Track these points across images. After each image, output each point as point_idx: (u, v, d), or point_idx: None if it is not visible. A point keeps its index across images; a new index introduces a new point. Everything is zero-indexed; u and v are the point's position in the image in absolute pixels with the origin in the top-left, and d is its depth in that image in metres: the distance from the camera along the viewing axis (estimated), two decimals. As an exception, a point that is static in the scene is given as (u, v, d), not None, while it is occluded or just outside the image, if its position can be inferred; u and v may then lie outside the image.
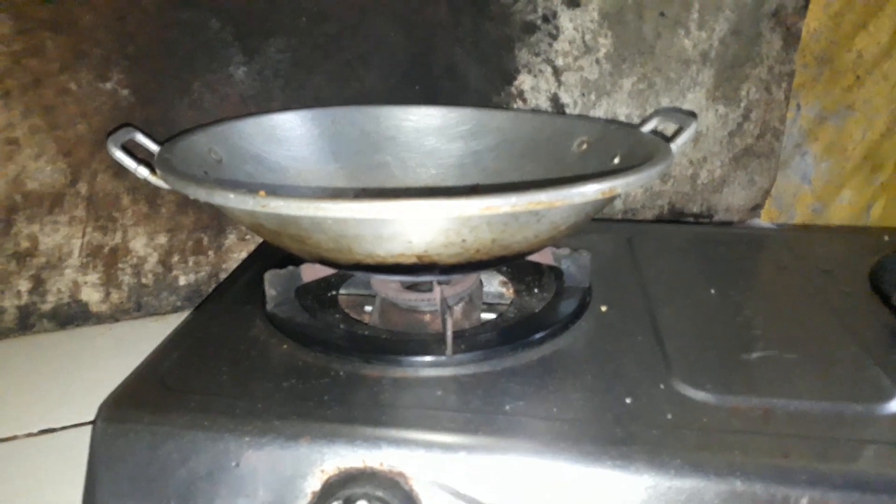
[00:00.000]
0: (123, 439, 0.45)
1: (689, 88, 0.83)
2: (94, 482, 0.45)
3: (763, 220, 0.93)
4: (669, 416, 0.45)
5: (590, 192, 0.43)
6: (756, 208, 0.92)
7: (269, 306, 0.58)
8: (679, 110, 0.66)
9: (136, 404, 0.47)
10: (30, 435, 0.59)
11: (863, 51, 0.91)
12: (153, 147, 0.57)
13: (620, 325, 0.57)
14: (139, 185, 0.73)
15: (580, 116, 0.81)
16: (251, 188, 0.47)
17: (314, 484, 0.44)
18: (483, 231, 0.45)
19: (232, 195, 0.44)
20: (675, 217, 0.91)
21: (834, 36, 0.89)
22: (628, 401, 0.47)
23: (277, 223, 0.47)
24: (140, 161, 0.55)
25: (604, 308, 0.59)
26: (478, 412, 0.46)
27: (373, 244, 0.46)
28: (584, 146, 0.65)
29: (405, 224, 0.44)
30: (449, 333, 0.50)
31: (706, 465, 0.41)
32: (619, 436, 0.43)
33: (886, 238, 0.75)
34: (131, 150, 0.57)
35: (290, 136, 0.68)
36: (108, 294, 0.76)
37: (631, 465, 0.41)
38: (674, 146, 0.57)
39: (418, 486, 0.43)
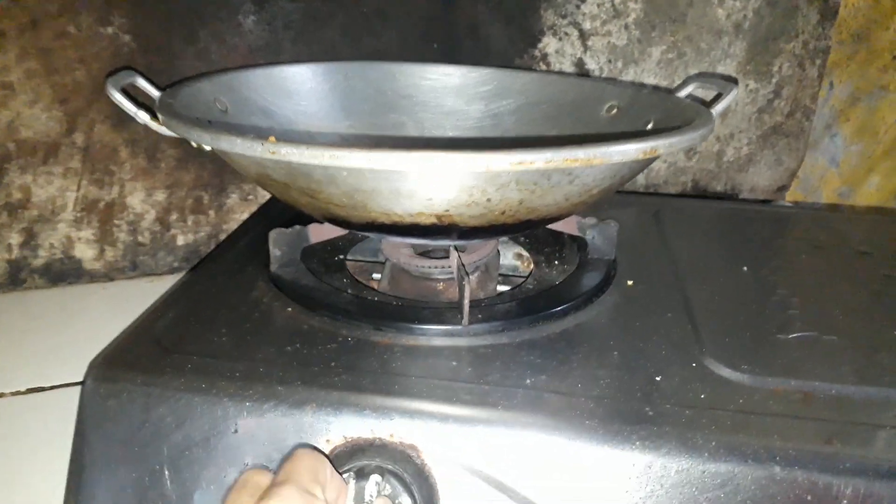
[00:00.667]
0: (114, 400, 0.42)
1: (720, 60, 0.79)
2: (83, 444, 0.42)
3: (788, 202, 0.90)
4: (703, 396, 0.42)
5: (630, 150, 0.40)
6: (782, 189, 0.88)
7: (273, 267, 0.55)
8: (717, 75, 0.62)
9: (128, 364, 0.44)
10: (17, 393, 0.56)
11: (901, 29, 0.87)
12: (155, 93, 0.54)
13: (648, 300, 0.53)
14: (138, 138, 0.70)
15: (609, 79, 0.77)
16: (260, 134, 0.43)
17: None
18: (511, 190, 0.41)
19: (239, 140, 0.40)
20: (698, 194, 0.87)
21: (873, 13, 0.85)
22: (658, 379, 0.44)
23: (287, 174, 0.43)
24: (140, 105, 0.51)
25: (630, 282, 0.55)
26: (496, 385, 0.42)
27: (389, 201, 0.42)
28: (614, 111, 0.62)
29: (427, 179, 0.41)
30: (466, 301, 0.47)
31: (743, 448, 0.38)
32: (648, 415, 0.40)
33: (924, 221, 0.72)
34: (132, 95, 0.53)
35: (300, 89, 0.64)
36: (102, 251, 0.72)
37: (662, 446, 0.39)
38: (714, 111, 0.53)
39: (431, 460, 0.40)
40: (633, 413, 0.40)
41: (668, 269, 0.58)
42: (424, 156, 0.38)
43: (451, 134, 0.67)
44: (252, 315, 0.50)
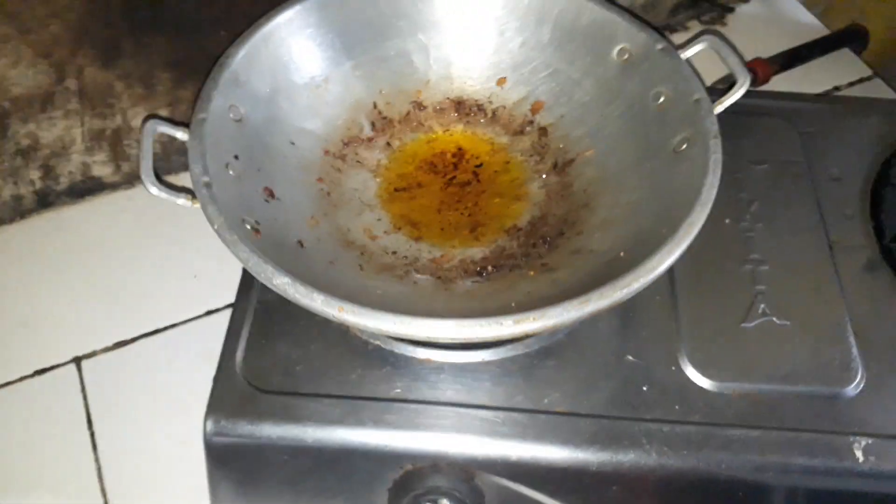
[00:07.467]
0: (231, 452, 0.52)
1: None
2: (217, 490, 0.54)
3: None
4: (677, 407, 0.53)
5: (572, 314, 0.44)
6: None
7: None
8: (733, 50, 0.58)
9: (232, 414, 0.51)
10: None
11: None
12: (180, 136, 0.53)
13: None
14: (130, 71, 0.66)
15: (621, 11, 0.62)
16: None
17: (394, 475, 0.51)
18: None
19: (315, 304, 0.44)
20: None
21: None
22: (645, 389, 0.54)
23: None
24: (180, 190, 0.51)
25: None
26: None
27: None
28: (626, 56, 0.60)
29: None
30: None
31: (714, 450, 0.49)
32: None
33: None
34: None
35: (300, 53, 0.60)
36: (118, 167, 0.74)
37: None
38: (719, 108, 0.55)
39: (481, 481, 0.50)
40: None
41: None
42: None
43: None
44: (326, 343, 0.54)
